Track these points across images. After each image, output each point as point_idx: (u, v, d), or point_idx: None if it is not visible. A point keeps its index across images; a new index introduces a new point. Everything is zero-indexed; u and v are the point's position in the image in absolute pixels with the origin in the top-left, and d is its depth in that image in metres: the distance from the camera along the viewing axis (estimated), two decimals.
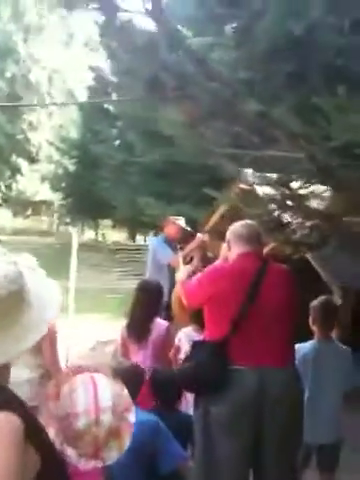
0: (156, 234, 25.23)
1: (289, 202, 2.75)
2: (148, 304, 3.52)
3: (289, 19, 1.98)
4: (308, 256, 4.54)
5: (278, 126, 2.04)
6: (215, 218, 7.01)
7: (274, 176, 3.05)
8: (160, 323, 3.58)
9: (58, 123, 29.27)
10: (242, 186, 5.60)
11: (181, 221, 5.68)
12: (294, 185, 2.77)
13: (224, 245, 2.99)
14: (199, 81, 2.14)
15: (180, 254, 5.25)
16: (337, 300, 4.43)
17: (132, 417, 1.48)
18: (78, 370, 1.50)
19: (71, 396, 1.40)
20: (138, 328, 3.47)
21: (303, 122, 1.99)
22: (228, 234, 2.91)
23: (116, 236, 31.05)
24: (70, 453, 1.36)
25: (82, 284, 8.71)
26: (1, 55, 27.90)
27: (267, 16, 2.01)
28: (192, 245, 5.17)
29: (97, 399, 1.40)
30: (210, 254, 5.42)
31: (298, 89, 2.06)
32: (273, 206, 3.01)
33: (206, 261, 5.18)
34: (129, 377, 2.59)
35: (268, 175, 3.14)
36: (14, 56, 28.77)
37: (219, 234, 6.99)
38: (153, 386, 2.83)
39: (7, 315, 1.19)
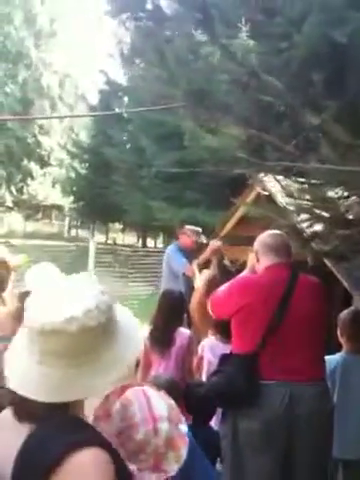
0: (166, 238, 25.27)
1: (318, 211, 2.68)
2: (171, 313, 3.48)
3: (330, 26, 1.93)
4: (328, 263, 4.46)
5: (320, 134, 1.98)
6: (231, 223, 6.93)
7: (297, 183, 2.98)
8: (183, 332, 3.53)
9: (69, 126, 29.40)
10: (261, 192, 5.55)
11: (197, 229, 5.61)
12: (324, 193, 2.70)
13: (251, 255, 2.92)
14: (232, 89, 2.10)
15: (194, 263, 5.19)
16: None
17: (185, 428, 1.45)
18: (126, 387, 1.47)
19: (127, 410, 1.37)
20: (161, 338, 3.42)
21: (347, 131, 1.93)
22: (256, 245, 2.83)
23: (126, 240, 31.09)
24: (132, 468, 1.32)
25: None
26: (13, 60, 28.12)
27: (307, 22, 1.96)
28: (206, 254, 5.10)
29: (152, 409, 1.38)
30: (226, 261, 5.36)
31: (339, 97, 2.00)
32: (299, 215, 2.94)
33: (222, 268, 5.11)
34: (167, 392, 2.53)
35: (292, 182, 3.07)
36: (26, 61, 28.97)
37: (235, 239, 6.95)
38: (188, 402, 2.74)
39: (95, 348, 1.14)
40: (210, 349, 3.48)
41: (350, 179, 2.23)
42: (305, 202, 2.69)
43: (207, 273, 4.92)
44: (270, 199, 5.11)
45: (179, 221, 15.99)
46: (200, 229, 5.75)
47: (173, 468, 1.38)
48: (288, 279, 2.63)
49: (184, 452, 1.40)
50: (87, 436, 1.10)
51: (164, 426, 1.36)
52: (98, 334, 1.14)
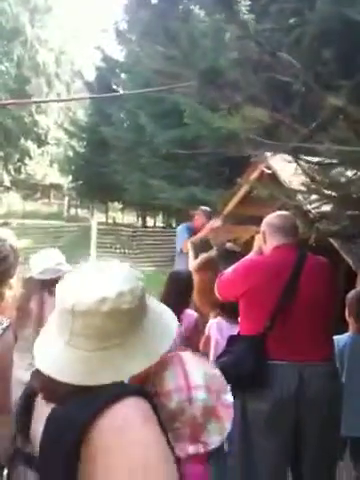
0: (166, 217, 25.20)
1: (327, 191, 2.64)
2: (178, 294, 3.46)
3: (343, 2, 1.86)
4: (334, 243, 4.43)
5: (336, 114, 1.92)
6: (233, 202, 6.87)
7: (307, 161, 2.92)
8: (189, 314, 3.51)
9: (66, 105, 29.06)
10: (265, 170, 5.48)
11: (208, 210, 5.62)
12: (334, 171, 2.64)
13: (258, 236, 2.90)
14: (243, 65, 2.03)
15: (189, 240, 5.19)
16: None
17: (229, 398, 1.39)
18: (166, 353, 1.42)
19: (160, 376, 1.30)
20: None
21: None
22: (263, 226, 2.80)
23: (126, 219, 31.01)
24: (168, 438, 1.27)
25: None
26: (8, 37, 27.63)
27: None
28: (203, 233, 5.09)
29: (187, 376, 1.30)
30: (230, 244, 5.33)
31: (352, 76, 1.93)
32: (308, 195, 2.89)
33: (224, 250, 5.09)
34: None
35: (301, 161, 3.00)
36: (21, 38, 28.47)
37: (238, 218, 6.91)
38: None
39: (126, 332, 1.12)
40: (218, 329, 3.47)
41: None
42: (314, 182, 2.65)
43: (205, 254, 4.92)
44: (274, 178, 5.06)
45: (178, 200, 16.00)
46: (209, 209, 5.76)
47: (215, 440, 1.30)
48: (296, 260, 2.62)
49: (228, 424, 1.33)
50: (125, 388, 1.09)
51: (201, 395, 1.29)
52: (131, 318, 1.12)
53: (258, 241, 2.88)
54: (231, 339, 2.71)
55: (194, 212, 5.64)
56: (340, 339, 3.10)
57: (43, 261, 2.99)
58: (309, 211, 3.11)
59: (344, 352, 3.09)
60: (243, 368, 2.49)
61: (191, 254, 5.11)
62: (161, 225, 26.93)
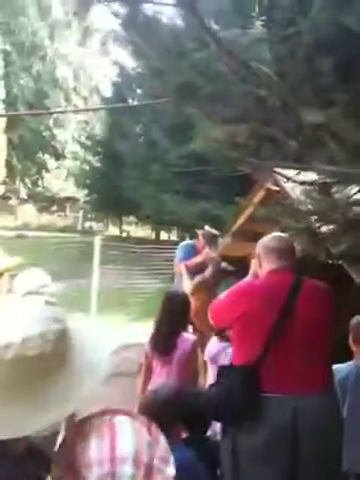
0: (180, 231, 25.11)
1: (329, 212, 2.50)
2: (174, 316, 3.32)
3: (341, 10, 1.74)
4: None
5: (328, 132, 1.79)
6: (242, 219, 6.74)
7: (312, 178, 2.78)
8: (186, 338, 3.37)
9: (84, 119, 29.35)
10: (271, 187, 5.34)
11: (211, 234, 5.39)
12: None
13: (253, 261, 2.75)
14: (234, 82, 1.93)
15: (183, 263, 5.02)
16: None
17: (170, 470, 1.18)
18: (107, 411, 1.25)
19: (85, 444, 1.13)
20: (162, 342, 3.27)
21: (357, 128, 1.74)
22: (258, 248, 2.66)
23: (140, 233, 30.98)
24: None
25: (105, 282, 8.56)
26: (27, 52, 28.08)
27: (314, 6, 1.77)
28: (198, 259, 4.93)
29: (114, 447, 1.12)
30: (224, 264, 5.19)
31: (350, 89, 1.80)
32: (311, 216, 2.75)
33: (220, 272, 4.95)
34: (169, 405, 2.40)
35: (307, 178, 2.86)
36: (40, 53, 28.92)
37: (246, 235, 6.77)
38: (191, 414, 2.57)
39: (35, 381, 0.99)
40: (217, 352, 3.34)
41: None
42: (315, 203, 2.51)
43: (199, 276, 4.81)
44: (282, 195, 4.92)
45: (190, 215, 15.91)
46: (217, 233, 5.55)
47: None
48: (292, 284, 2.46)
49: None
50: None
51: (126, 470, 1.11)
52: (41, 366, 0.99)
53: (254, 265, 2.73)
54: (222, 370, 2.56)
55: (199, 231, 5.46)
56: (342, 368, 2.92)
57: (27, 283, 2.88)
58: (318, 231, 2.98)
59: (345, 383, 2.91)
60: (234, 402, 2.35)
61: (185, 276, 4.97)
62: (175, 239, 26.86)
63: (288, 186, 5.05)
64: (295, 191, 4.78)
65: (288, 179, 2.47)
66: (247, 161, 2.24)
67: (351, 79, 1.80)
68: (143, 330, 7.67)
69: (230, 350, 3.27)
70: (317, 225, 2.68)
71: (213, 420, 2.69)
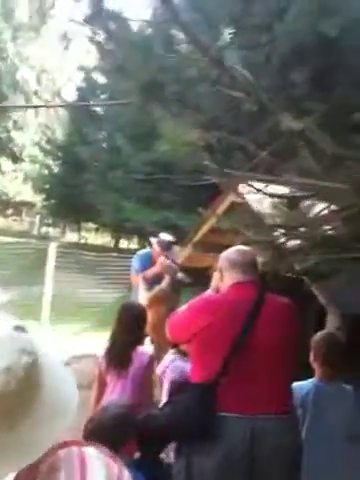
0: (141, 239, 24.86)
1: (301, 228, 2.40)
2: (131, 329, 3.15)
3: (319, 17, 1.65)
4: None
5: (300, 141, 1.70)
6: (203, 230, 6.65)
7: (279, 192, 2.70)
8: (143, 352, 3.20)
9: (44, 123, 28.81)
10: (236, 199, 5.28)
11: (166, 241, 5.20)
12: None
13: (215, 274, 2.63)
14: (205, 86, 1.81)
15: (140, 275, 4.87)
16: (331, 328, 4.10)
17: None
18: (69, 443, 1.11)
19: (53, 476, 1.01)
20: (118, 356, 3.10)
21: (336, 140, 1.65)
22: (220, 261, 2.54)
23: (99, 240, 30.52)
24: None
25: (59, 290, 8.28)
26: None
27: (291, 11, 1.68)
28: (155, 269, 4.79)
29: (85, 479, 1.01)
30: (181, 275, 5.07)
31: (326, 99, 1.71)
32: (276, 230, 2.66)
33: (178, 283, 4.85)
34: (118, 423, 2.25)
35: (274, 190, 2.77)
36: (3, 54, 28.26)
37: (207, 247, 6.69)
38: (143, 432, 2.40)
39: None
40: (173, 368, 3.19)
41: (335, 195, 1.96)
42: (283, 217, 2.41)
43: (157, 288, 4.67)
44: (246, 208, 4.86)
45: (152, 223, 15.76)
46: (172, 239, 5.37)
47: None
48: (254, 299, 2.35)
49: None
50: None
51: None
52: (4, 406, 0.82)
53: (216, 279, 2.60)
54: (177, 387, 2.44)
55: (153, 239, 5.27)
56: (303, 385, 2.83)
57: None
58: (281, 245, 2.88)
59: (307, 400, 2.82)
60: (189, 420, 2.21)
61: (141, 287, 4.82)
62: (135, 247, 26.55)
63: (252, 199, 5.00)
64: (262, 204, 4.73)
65: (258, 191, 2.37)
66: (216, 169, 2.12)
67: (327, 89, 1.71)
68: (97, 341, 7.47)
69: (178, 363, 3.15)
70: (283, 239, 2.59)
71: (166, 439, 2.54)
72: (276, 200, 2.45)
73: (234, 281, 2.42)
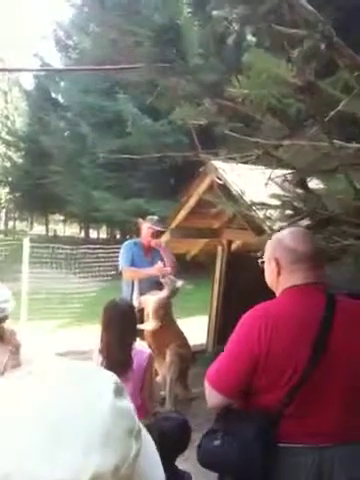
0: (110, 229, 24.46)
1: (296, 203, 2.19)
2: (125, 329, 2.89)
3: None
4: None
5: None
6: (182, 215, 6.42)
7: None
8: (141, 351, 2.95)
9: (4, 114, 27.90)
10: (216, 181, 5.06)
11: (155, 220, 4.79)
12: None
13: (268, 265, 1.88)
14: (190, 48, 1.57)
15: (133, 269, 4.56)
16: None
17: None
18: None
19: None
20: (119, 359, 2.84)
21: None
22: (275, 248, 1.85)
23: (68, 231, 30.01)
24: None
25: (35, 286, 7.95)
26: None
27: None
28: (151, 271, 4.49)
29: None
30: (180, 283, 4.75)
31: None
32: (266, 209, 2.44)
33: (176, 287, 4.57)
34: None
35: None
36: None
37: (186, 232, 6.48)
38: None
39: None
40: None
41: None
42: (287, 196, 2.19)
43: (157, 296, 4.41)
44: (225, 189, 4.66)
45: (122, 211, 15.42)
46: (164, 224, 5.10)
47: None
48: (324, 306, 1.76)
49: None
50: None
51: None
52: None
53: (270, 273, 1.87)
54: (226, 414, 1.85)
55: (140, 223, 4.84)
56: None
57: None
58: (269, 228, 2.65)
59: None
60: (248, 459, 1.74)
61: (136, 287, 4.56)
62: (105, 237, 26.14)
63: (230, 179, 4.81)
64: (236, 186, 4.53)
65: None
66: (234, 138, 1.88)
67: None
68: (78, 336, 7.20)
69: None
70: (271, 222, 2.36)
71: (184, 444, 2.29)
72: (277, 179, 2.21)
73: (299, 282, 1.80)
